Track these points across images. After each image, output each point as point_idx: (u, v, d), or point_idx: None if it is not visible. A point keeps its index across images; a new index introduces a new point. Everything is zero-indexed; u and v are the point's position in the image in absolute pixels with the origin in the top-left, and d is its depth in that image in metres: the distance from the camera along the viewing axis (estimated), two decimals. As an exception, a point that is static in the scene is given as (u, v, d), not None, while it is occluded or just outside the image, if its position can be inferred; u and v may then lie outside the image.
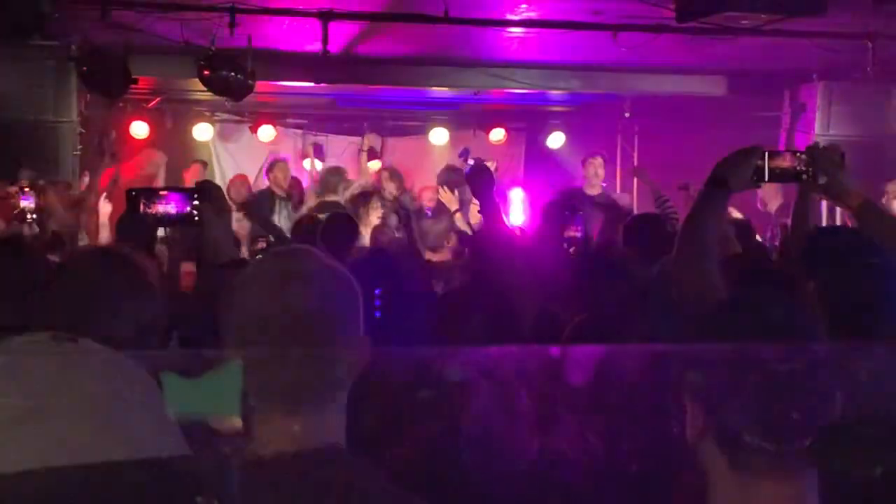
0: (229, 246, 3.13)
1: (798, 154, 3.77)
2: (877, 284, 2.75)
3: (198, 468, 1.16)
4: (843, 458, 1.73)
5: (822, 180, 3.73)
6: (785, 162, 3.73)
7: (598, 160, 9.70)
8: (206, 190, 3.30)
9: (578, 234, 5.52)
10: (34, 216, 6.98)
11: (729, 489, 1.75)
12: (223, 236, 3.13)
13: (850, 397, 1.73)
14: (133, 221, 5.86)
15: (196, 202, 3.30)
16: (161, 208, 3.35)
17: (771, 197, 9.14)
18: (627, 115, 11.92)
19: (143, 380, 1.16)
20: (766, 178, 3.52)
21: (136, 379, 1.15)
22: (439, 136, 12.89)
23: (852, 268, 2.79)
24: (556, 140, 12.94)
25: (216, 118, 12.41)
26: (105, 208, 8.86)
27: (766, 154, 3.52)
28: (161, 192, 3.41)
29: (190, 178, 11.47)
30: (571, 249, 5.48)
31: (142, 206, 3.37)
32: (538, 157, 13.25)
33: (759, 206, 9.40)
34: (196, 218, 3.30)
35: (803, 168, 3.73)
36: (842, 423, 1.71)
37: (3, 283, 3.54)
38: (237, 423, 2.00)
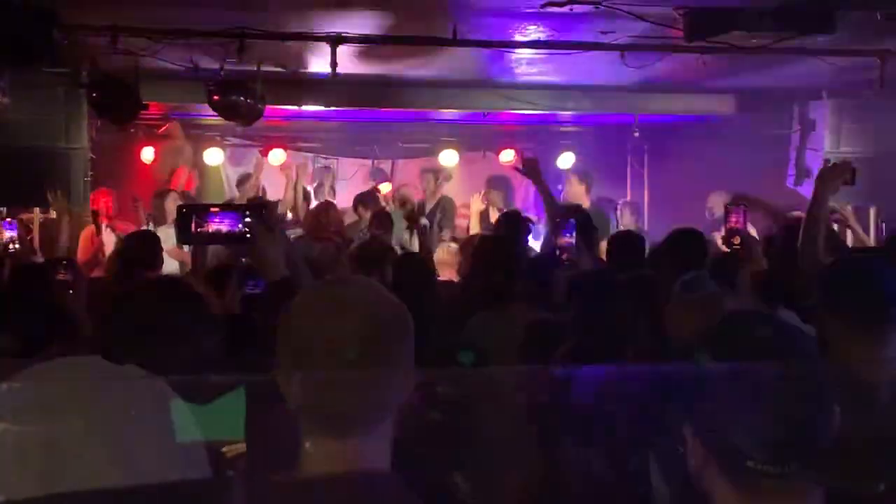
0: (281, 263, 3.14)
1: None
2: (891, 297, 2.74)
3: (207, 491, 1.16)
4: (846, 475, 1.73)
5: None
6: None
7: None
8: (258, 207, 3.30)
9: (571, 242, 5.58)
10: (17, 246, 7.02)
11: None
12: (275, 254, 3.14)
13: (856, 415, 1.73)
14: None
15: (248, 220, 3.28)
16: (213, 226, 3.34)
17: (716, 203, 9.38)
18: (637, 134, 11.93)
19: (174, 406, 1.17)
20: None
21: (168, 405, 1.16)
22: (449, 157, 12.91)
23: (868, 285, 2.79)
24: (566, 160, 12.94)
25: (226, 142, 12.44)
26: (109, 238, 8.89)
27: None
28: (213, 210, 3.38)
29: (176, 183, 11.54)
30: (564, 256, 5.52)
31: (193, 225, 3.35)
32: (548, 177, 13.22)
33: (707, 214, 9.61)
34: (248, 236, 3.28)
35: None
36: (842, 439, 1.71)
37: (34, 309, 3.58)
38: (242, 447, 1.99)
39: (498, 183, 12.18)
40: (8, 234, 7.14)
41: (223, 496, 1.21)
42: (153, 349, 2.38)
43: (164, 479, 1.05)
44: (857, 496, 1.80)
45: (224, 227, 3.30)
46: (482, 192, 11.62)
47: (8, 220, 7.31)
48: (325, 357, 1.84)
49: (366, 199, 10.64)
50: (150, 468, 1.06)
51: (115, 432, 1.05)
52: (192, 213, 3.33)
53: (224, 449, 2.16)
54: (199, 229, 3.31)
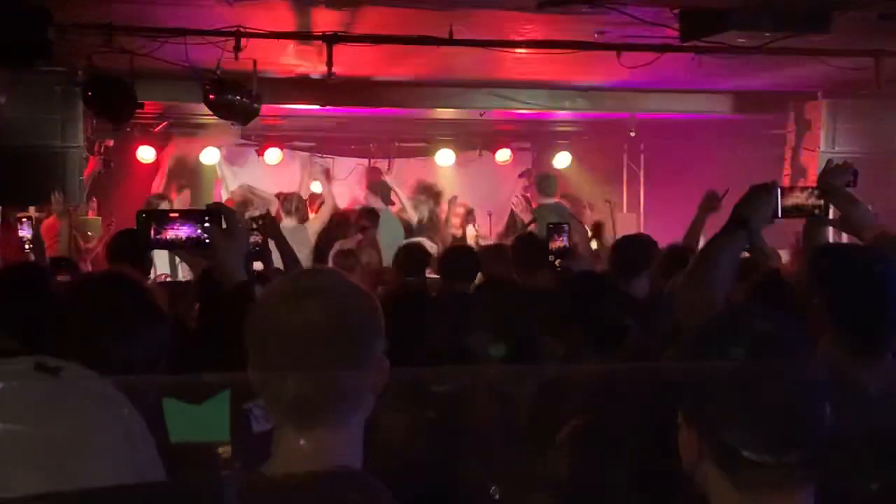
0: (239, 269, 3.12)
1: (811, 190, 3.79)
2: (880, 290, 2.73)
3: (205, 491, 1.15)
4: (841, 473, 1.74)
5: (834, 216, 3.76)
6: (798, 199, 3.75)
7: None
8: (216, 212, 3.28)
9: (564, 245, 5.67)
10: (30, 246, 7.02)
11: None
12: (233, 260, 3.12)
13: (851, 412, 1.74)
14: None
15: (207, 225, 3.26)
16: (172, 232, 3.32)
17: None
18: (633, 134, 11.93)
19: (123, 409, 1.15)
20: (780, 215, 3.54)
21: (114, 409, 1.13)
22: (445, 157, 12.92)
23: (855, 277, 2.77)
24: (562, 160, 12.95)
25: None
26: None
27: (780, 190, 3.53)
28: (172, 215, 3.36)
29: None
30: (557, 262, 5.58)
31: (152, 231, 3.33)
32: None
33: None
34: (207, 241, 3.26)
35: (815, 203, 3.76)
36: (839, 437, 1.72)
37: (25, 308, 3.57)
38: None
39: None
40: (22, 234, 7.16)
41: (219, 496, 1.20)
42: (101, 342, 2.37)
43: (113, 483, 1.03)
44: (848, 494, 1.81)
45: (183, 233, 3.28)
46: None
47: (24, 220, 7.31)
48: (285, 347, 1.82)
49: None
50: (95, 471, 1.04)
51: (56, 436, 1.03)
52: (151, 219, 3.32)
53: (220, 450, 2.16)
54: (157, 235, 3.30)
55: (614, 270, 5.59)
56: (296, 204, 10.32)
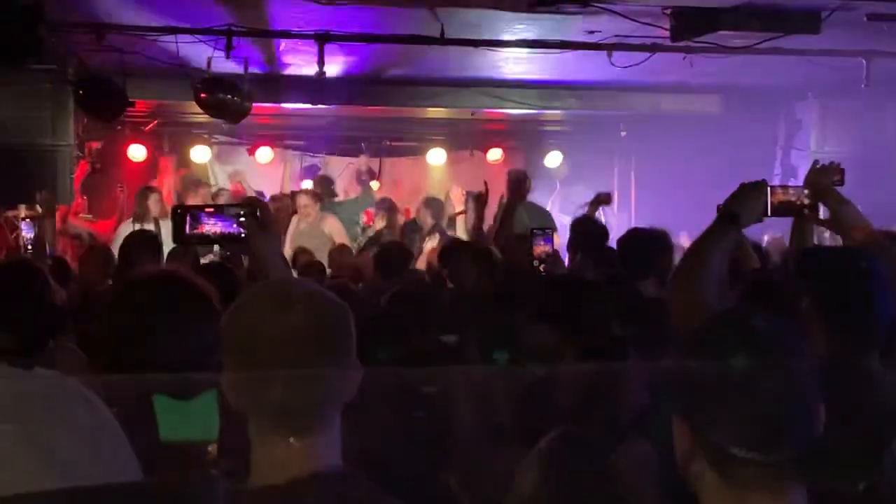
0: (277, 262, 3.14)
1: (801, 189, 3.80)
2: (867, 288, 2.74)
3: (191, 490, 1.15)
4: (829, 473, 1.74)
5: (824, 215, 3.76)
6: (787, 196, 3.75)
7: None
8: (252, 206, 3.29)
9: (548, 251, 5.64)
10: (30, 246, 7.02)
11: None
12: (271, 253, 3.14)
13: (837, 411, 1.74)
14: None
15: (242, 219, 3.27)
16: (207, 227, 3.32)
17: None
18: (624, 133, 11.94)
19: (94, 406, 1.14)
20: (769, 213, 3.53)
21: (85, 406, 1.13)
22: (436, 156, 12.92)
23: (843, 276, 2.78)
24: (553, 159, 12.97)
25: (214, 140, 12.40)
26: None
27: (769, 189, 3.53)
28: (207, 210, 3.36)
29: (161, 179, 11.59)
30: (542, 267, 5.55)
31: (187, 225, 3.34)
32: (535, 176, 13.25)
33: None
34: (243, 236, 3.27)
35: (805, 202, 3.76)
36: (827, 437, 1.73)
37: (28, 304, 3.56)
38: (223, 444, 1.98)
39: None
40: (24, 234, 7.17)
41: (206, 495, 1.20)
42: (160, 342, 2.38)
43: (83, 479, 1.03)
44: (837, 494, 1.82)
45: (218, 228, 3.29)
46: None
47: (26, 220, 7.31)
48: (272, 353, 1.84)
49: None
50: (66, 467, 1.04)
51: (27, 432, 1.03)
52: (186, 214, 3.32)
53: (210, 448, 2.16)
54: (193, 230, 3.30)
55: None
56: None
